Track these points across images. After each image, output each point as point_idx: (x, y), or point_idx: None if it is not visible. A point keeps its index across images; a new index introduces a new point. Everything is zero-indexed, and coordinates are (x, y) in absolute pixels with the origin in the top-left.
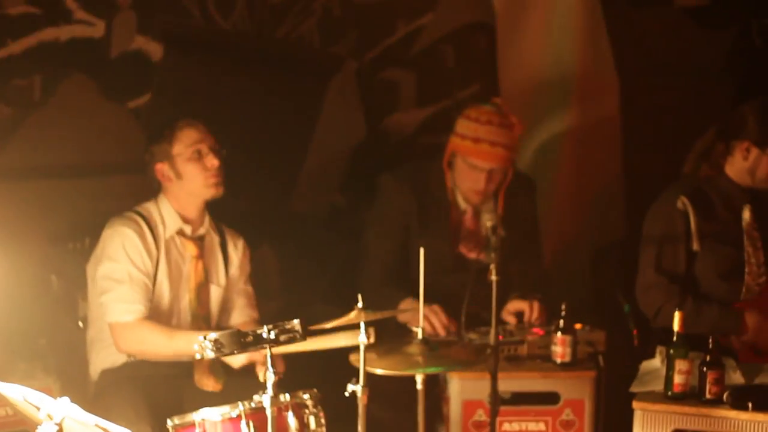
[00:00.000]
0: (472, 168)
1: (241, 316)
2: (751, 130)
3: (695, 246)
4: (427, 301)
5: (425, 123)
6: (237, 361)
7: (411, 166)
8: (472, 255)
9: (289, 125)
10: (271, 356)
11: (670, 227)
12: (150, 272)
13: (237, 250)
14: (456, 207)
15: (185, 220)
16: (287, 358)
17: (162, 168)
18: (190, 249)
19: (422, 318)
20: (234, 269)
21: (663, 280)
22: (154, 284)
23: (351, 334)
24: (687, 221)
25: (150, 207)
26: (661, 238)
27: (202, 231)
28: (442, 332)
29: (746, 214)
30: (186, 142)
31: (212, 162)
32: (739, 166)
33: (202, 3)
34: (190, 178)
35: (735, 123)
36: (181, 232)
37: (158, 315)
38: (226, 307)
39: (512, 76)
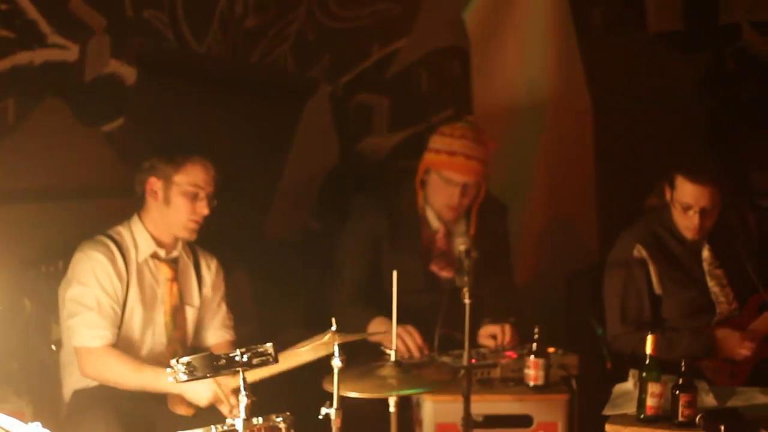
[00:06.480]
0: (447, 183)
1: (215, 337)
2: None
3: (657, 291)
4: (399, 320)
5: (399, 147)
6: (203, 399)
7: (383, 188)
8: (444, 274)
9: (263, 149)
10: (244, 381)
11: (629, 278)
12: (119, 297)
13: (210, 271)
14: (428, 226)
15: (159, 244)
16: (258, 383)
17: (155, 184)
18: (165, 272)
19: (396, 339)
20: (207, 289)
21: (629, 329)
22: (124, 309)
23: (318, 347)
24: (646, 268)
25: (122, 230)
26: (623, 289)
27: (175, 253)
28: (416, 353)
29: (705, 254)
30: (190, 178)
31: (202, 210)
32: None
33: (177, 27)
34: (175, 210)
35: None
36: (155, 255)
37: (131, 339)
38: (200, 327)
39: (486, 101)
